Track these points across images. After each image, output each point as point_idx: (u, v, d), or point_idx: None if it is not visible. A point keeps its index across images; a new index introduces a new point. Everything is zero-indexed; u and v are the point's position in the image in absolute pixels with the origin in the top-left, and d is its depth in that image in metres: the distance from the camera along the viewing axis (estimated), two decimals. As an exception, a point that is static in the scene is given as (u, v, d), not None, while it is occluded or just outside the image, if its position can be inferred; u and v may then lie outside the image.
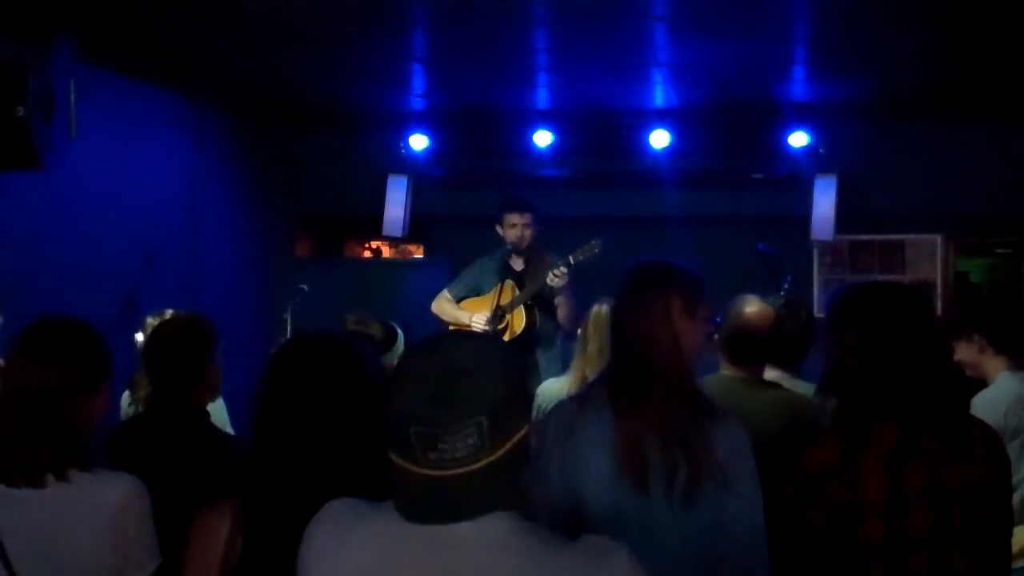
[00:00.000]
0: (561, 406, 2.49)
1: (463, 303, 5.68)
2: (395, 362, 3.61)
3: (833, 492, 2.15)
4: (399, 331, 3.69)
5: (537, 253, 5.51)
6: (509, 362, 1.53)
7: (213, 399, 3.12)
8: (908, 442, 2.15)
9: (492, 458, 1.44)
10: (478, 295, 5.66)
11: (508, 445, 1.46)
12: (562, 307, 5.33)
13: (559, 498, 2.30)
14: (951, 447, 2.16)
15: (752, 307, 3.32)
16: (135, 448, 2.74)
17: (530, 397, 1.56)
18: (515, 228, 5.46)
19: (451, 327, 5.61)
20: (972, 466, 2.15)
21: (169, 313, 3.97)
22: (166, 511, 2.24)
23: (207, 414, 2.96)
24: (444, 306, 5.71)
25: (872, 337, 2.22)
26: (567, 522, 2.21)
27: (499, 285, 5.39)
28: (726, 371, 3.29)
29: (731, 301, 3.38)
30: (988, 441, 2.23)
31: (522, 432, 1.50)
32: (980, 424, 2.31)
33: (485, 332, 5.43)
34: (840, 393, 2.27)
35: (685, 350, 2.28)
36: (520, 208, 5.49)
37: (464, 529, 1.45)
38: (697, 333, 2.33)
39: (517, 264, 5.52)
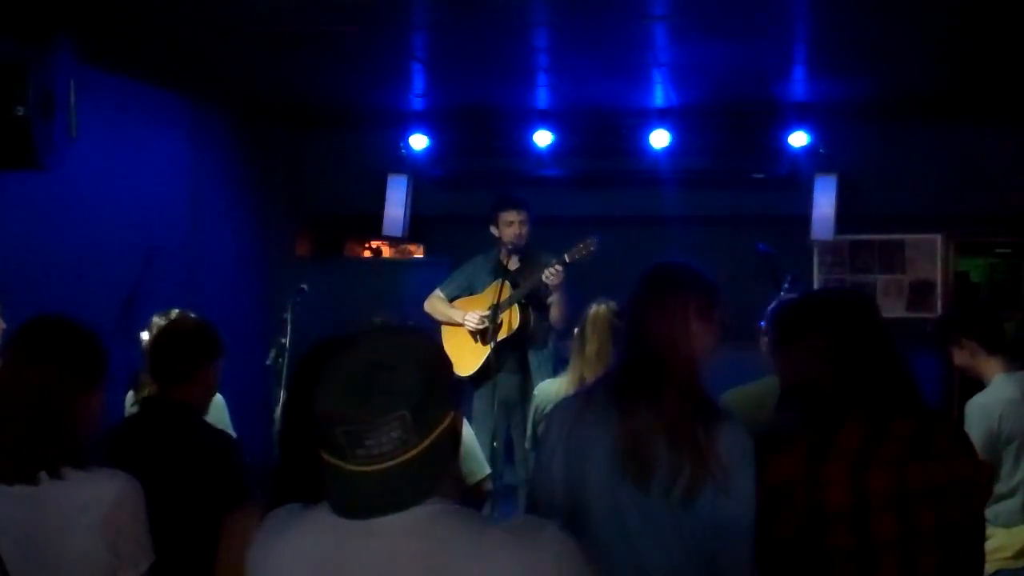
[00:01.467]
0: (566, 403, 2.51)
1: (457, 302, 5.66)
2: None
3: (799, 500, 2.15)
4: None
5: (532, 252, 5.49)
6: (428, 352, 1.56)
7: (204, 403, 3.14)
8: (871, 447, 2.14)
9: (418, 449, 1.47)
10: (471, 294, 5.64)
11: (433, 435, 1.49)
12: (555, 306, 5.32)
13: (561, 494, 2.31)
14: (914, 448, 2.15)
15: None
16: (128, 445, 2.76)
17: (454, 384, 1.59)
18: (512, 226, 5.44)
19: (444, 326, 5.61)
20: (937, 466, 2.14)
21: (175, 313, 4.00)
22: (158, 508, 2.25)
23: (200, 412, 3.00)
24: (436, 305, 5.68)
25: (834, 344, 2.22)
26: (569, 519, 2.22)
27: (495, 284, 5.38)
28: None
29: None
30: (953, 439, 2.22)
31: (448, 420, 1.52)
32: (946, 422, 2.30)
33: (480, 329, 5.42)
34: (804, 403, 2.26)
35: (698, 352, 2.30)
36: (515, 205, 5.48)
37: (387, 521, 1.48)
38: (710, 335, 2.34)
39: (512, 263, 5.50)
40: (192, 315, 3.54)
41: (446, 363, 1.58)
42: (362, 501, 1.48)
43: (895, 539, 2.11)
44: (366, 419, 1.45)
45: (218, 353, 3.09)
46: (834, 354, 2.22)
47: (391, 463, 1.46)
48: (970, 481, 2.18)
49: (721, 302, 2.38)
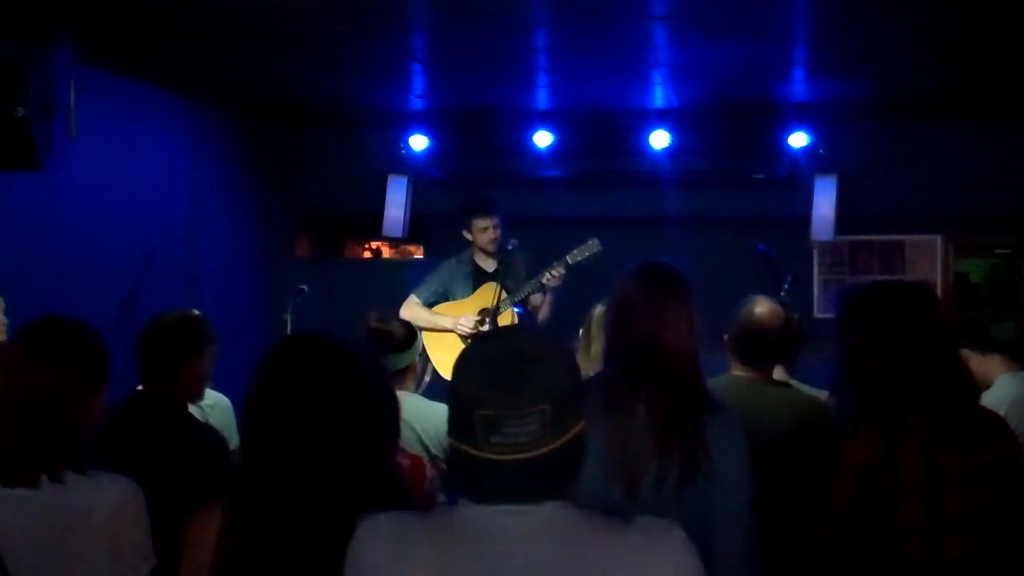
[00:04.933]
0: None
1: (440, 307, 5.60)
2: (415, 361, 3.66)
3: (882, 478, 2.20)
4: (418, 332, 3.73)
5: (505, 252, 5.45)
6: (569, 357, 1.60)
7: (196, 398, 3.16)
8: (937, 429, 2.22)
9: (552, 447, 1.49)
10: (447, 300, 5.59)
11: (567, 436, 1.51)
12: (545, 305, 5.31)
13: None
14: (969, 434, 2.23)
15: (762, 307, 3.30)
16: (115, 441, 2.77)
17: (584, 393, 1.60)
18: (487, 231, 5.43)
19: (426, 332, 5.58)
20: (987, 451, 2.22)
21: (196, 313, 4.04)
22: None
23: (184, 406, 3.05)
24: (417, 312, 5.51)
25: (891, 333, 2.28)
26: None
27: (487, 287, 5.35)
28: (737, 371, 3.28)
29: (741, 302, 3.37)
30: (998, 428, 2.31)
31: (580, 425, 1.55)
32: (989, 412, 2.38)
33: (475, 333, 5.41)
34: (859, 390, 2.31)
35: (695, 346, 2.34)
36: (488, 210, 5.46)
37: (518, 522, 1.50)
38: (697, 330, 2.38)
39: (488, 265, 5.48)
40: (176, 310, 3.47)
41: (579, 370, 1.61)
42: (488, 487, 1.50)
43: (959, 517, 2.19)
44: (509, 406, 1.47)
45: (201, 347, 3.11)
46: (888, 342, 2.27)
47: (522, 456, 1.47)
48: (1014, 466, 2.26)
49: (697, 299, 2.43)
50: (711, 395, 2.35)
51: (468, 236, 5.49)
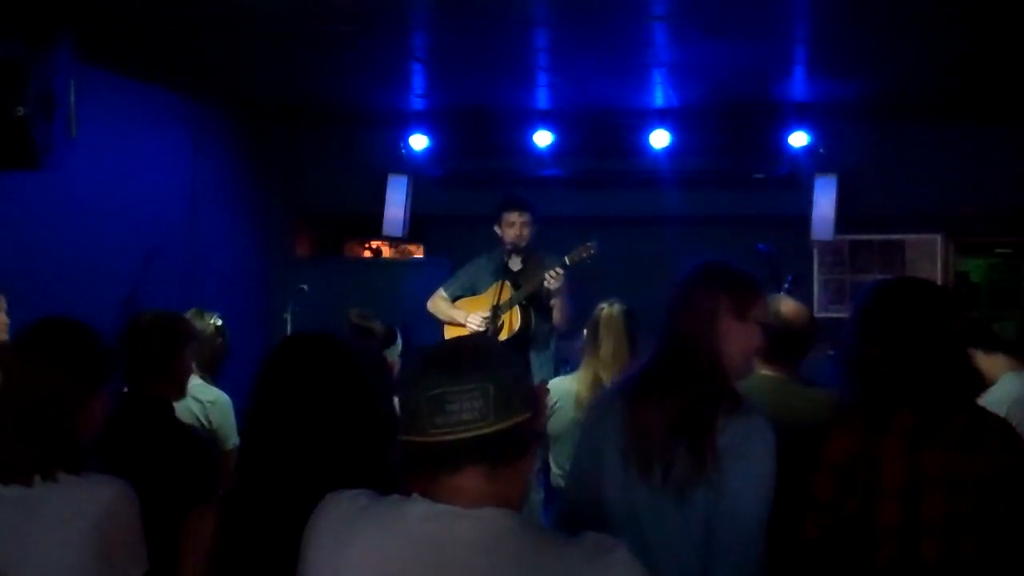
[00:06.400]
0: (601, 398, 2.65)
1: (459, 302, 5.66)
2: (396, 358, 3.68)
3: (858, 476, 2.19)
4: (398, 332, 3.75)
5: (535, 253, 5.50)
6: (511, 353, 1.60)
7: (178, 397, 3.16)
8: (924, 429, 2.19)
9: (496, 428, 1.48)
10: (474, 294, 5.65)
11: (511, 422, 1.50)
12: (557, 308, 5.32)
13: (583, 482, 2.41)
14: (964, 437, 2.19)
15: (787, 305, 3.27)
16: (105, 443, 2.77)
17: (533, 390, 1.59)
18: (513, 227, 5.45)
19: (446, 325, 5.61)
20: (984, 457, 2.18)
21: (216, 315, 4.11)
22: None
23: (171, 407, 3.04)
24: (440, 304, 5.69)
25: (893, 329, 2.28)
26: (589, 507, 2.32)
27: (496, 285, 5.38)
28: (766, 371, 3.21)
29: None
30: (1002, 433, 2.25)
31: (527, 416, 1.54)
32: (995, 417, 2.34)
33: (481, 331, 5.42)
34: (860, 381, 2.31)
35: (730, 350, 2.30)
36: (519, 207, 5.48)
37: (464, 530, 1.48)
38: (746, 334, 2.34)
39: (515, 264, 5.51)
40: (155, 311, 3.49)
41: (526, 368, 1.62)
42: (436, 462, 1.50)
43: (939, 520, 2.16)
44: (450, 381, 1.48)
45: (181, 346, 3.11)
46: (887, 339, 2.27)
47: (467, 434, 1.47)
48: (1016, 474, 2.21)
49: (761, 302, 2.39)
50: (738, 397, 2.30)
51: (498, 231, 5.52)
